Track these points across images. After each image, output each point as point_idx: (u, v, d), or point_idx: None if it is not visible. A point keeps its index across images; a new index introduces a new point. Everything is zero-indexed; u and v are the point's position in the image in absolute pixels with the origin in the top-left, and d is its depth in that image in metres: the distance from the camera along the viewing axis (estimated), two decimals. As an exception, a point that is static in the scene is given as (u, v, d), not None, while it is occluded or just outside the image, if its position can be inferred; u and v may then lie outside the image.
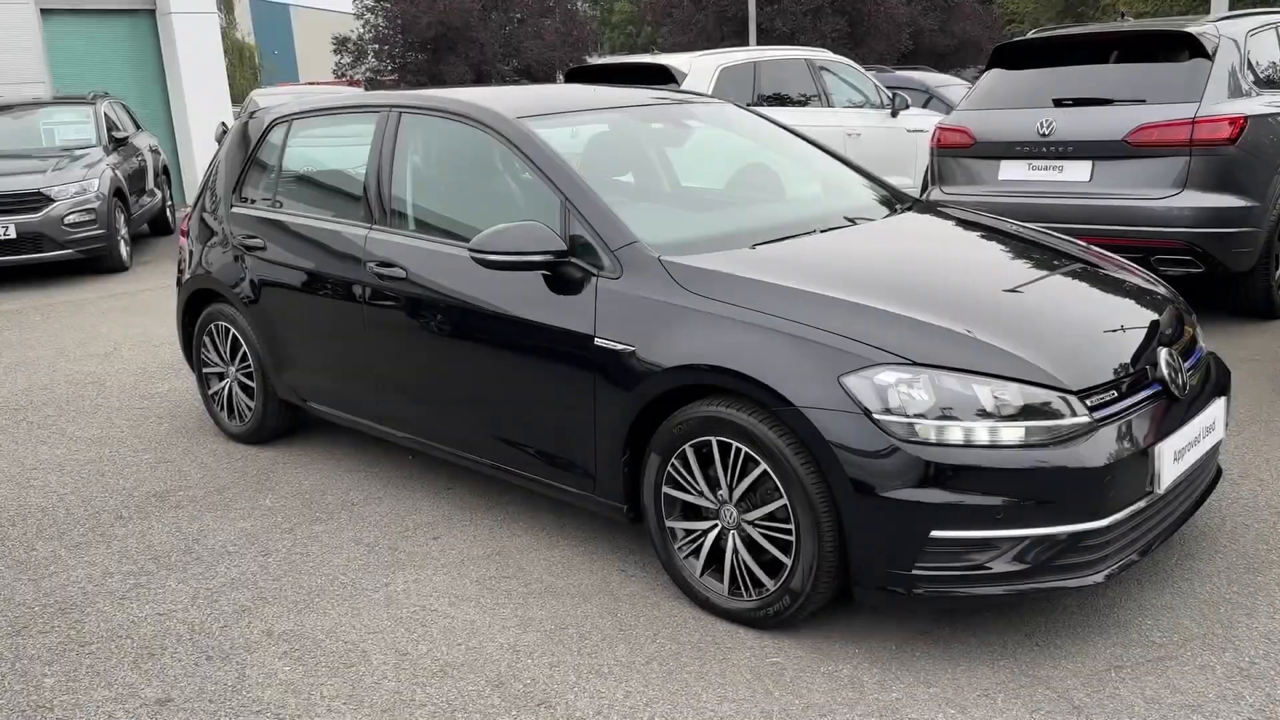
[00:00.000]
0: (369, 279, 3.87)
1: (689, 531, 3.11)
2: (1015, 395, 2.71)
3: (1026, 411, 2.70)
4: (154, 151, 11.87)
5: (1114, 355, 2.95)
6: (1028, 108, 6.39)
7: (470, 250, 3.30)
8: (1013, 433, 2.68)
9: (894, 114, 9.54)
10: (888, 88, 9.98)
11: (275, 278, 4.34)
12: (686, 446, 3.03)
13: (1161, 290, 3.47)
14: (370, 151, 4.06)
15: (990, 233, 3.78)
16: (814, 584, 2.83)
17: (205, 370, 4.91)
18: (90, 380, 6.00)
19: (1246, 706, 2.57)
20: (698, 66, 8.54)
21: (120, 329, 7.29)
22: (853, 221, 3.74)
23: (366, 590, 3.36)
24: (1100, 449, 2.71)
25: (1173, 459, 2.89)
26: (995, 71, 6.82)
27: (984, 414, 2.68)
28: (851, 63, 9.85)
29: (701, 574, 3.10)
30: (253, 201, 4.61)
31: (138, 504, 4.15)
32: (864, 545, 2.75)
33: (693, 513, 3.10)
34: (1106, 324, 3.08)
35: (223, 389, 4.82)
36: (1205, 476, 3.27)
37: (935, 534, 2.67)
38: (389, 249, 3.84)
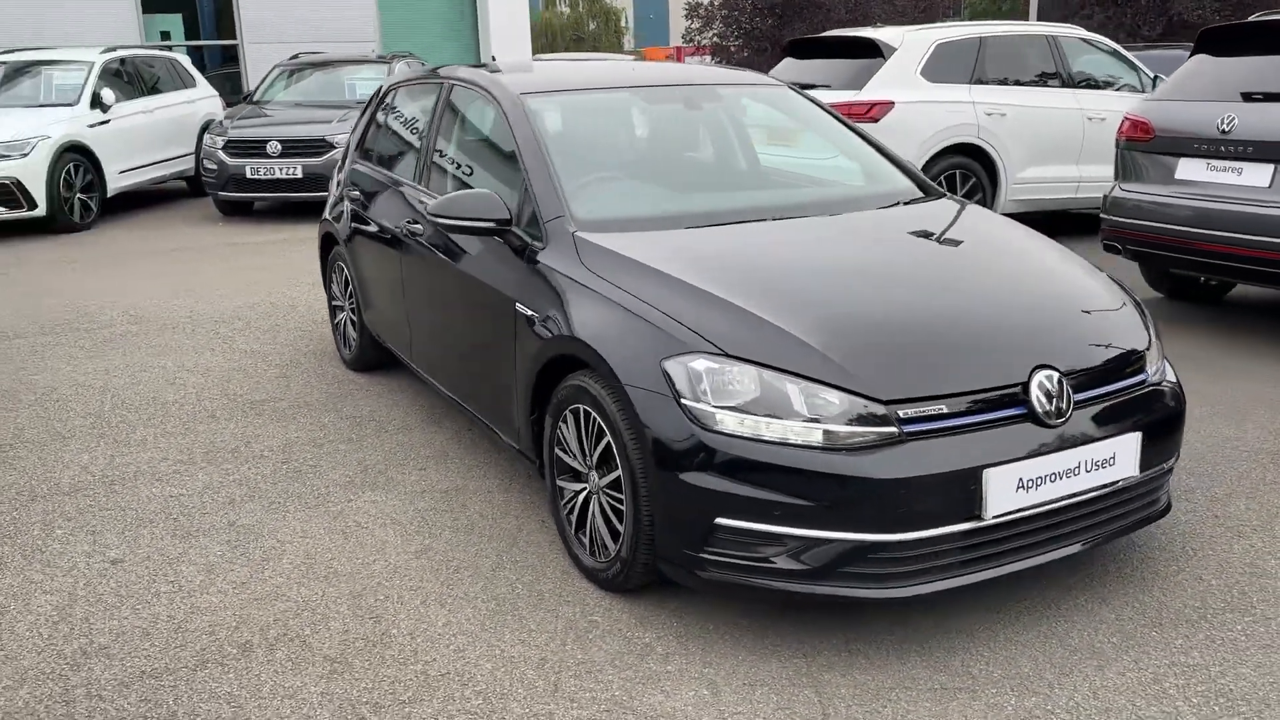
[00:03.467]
0: (404, 232, 4.35)
1: (569, 491, 3.32)
2: (821, 398, 2.70)
3: (829, 415, 2.68)
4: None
5: (968, 370, 2.82)
6: (1213, 100, 5.75)
7: (429, 214, 3.67)
8: (811, 434, 2.68)
9: (1152, 99, 8.70)
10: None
11: (361, 225, 4.94)
12: (567, 412, 3.24)
13: (1109, 307, 3.20)
14: (427, 120, 4.53)
15: (959, 237, 3.63)
16: (633, 554, 2.98)
17: (332, 303, 5.65)
18: (288, 304, 6.99)
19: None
20: (910, 41, 8.29)
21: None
22: (833, 214, 3.71)
23: (330, 503, 3.86)
24: (901, 462, 2.65)
25: (1014, 487, 2.73)
26: (1199, 58, 6.16)
27: (786, 413, 2.70)
28: (1106, 40, 9.07)
29: (575, 532, 3.31)
30: (361, 157, 5.23)
31: (234, 408, 4.92)
32: (664, 523, 2.86)
33: (573, 474, 3.32)
34: (986, 339, 2.92)
35: (340, 321, 5.53)
36: (1124, 511, 3.02)
37: (721, 521, 2.74)
38: (417, 208, 4.30)
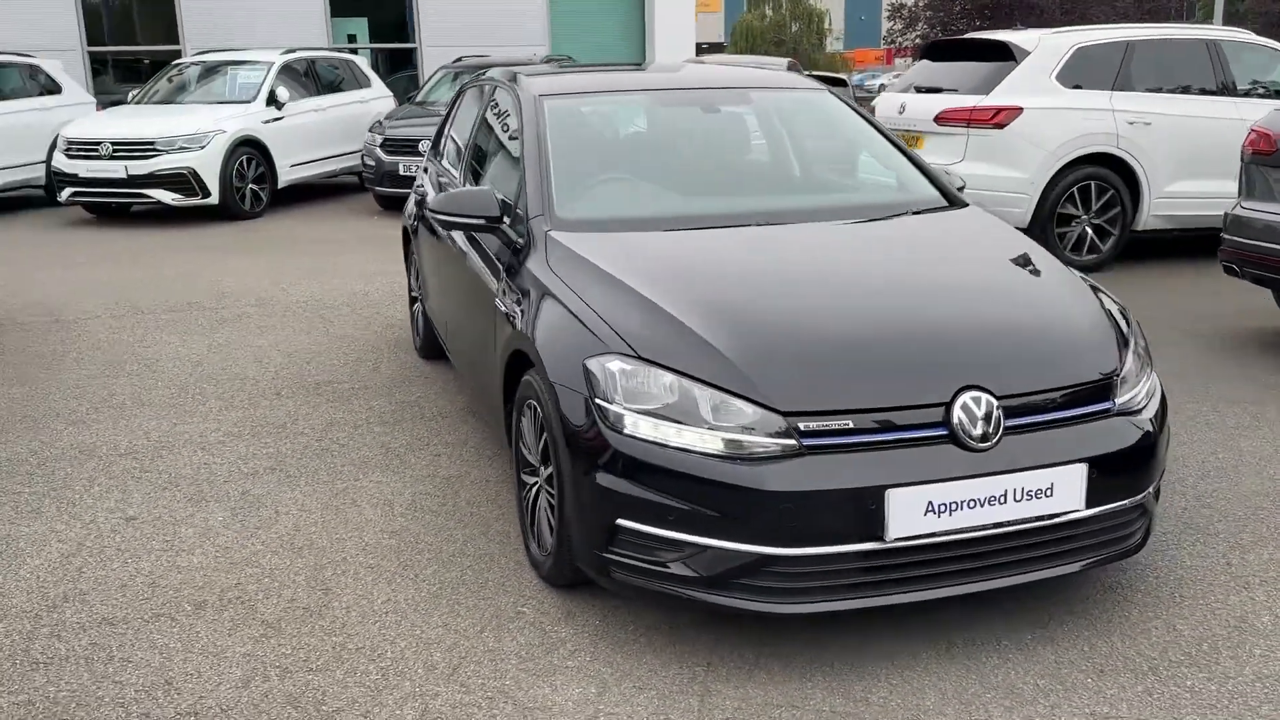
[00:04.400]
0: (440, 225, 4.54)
1: (527, 484, 3.40)
2: (726, 406, 2.67)
3: (731, 424, 2.65)
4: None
5: (887, 386, 2.71)
6: (1343, 110, 5.23)
7: (428, 209, 3.82)
8: (712, 442, 2.66)
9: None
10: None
11: (420, 219, 5.17)
12: (525, 407, 3.32)
13: (1078, 332, 3.00)
14: (474, 119, 4.70)
15: (941, 250, 3.50)
16: (559, 550, 3.03)
17: (410, 294, 5.92)
18: (395, 294, 7.36)
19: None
20: (1048, 44, 7.89)
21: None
22: (825, 221, 3.64)
23: (339, 480, 4.08)
24: (796, 476, 2.59)
25: (922, 510, 2.61)
26: (1340, 64, 5.61)
27: (694, 419, 2.68)
28: (1275, 44, 8.34)
29: (529, 524, 3.38)
30: (432, 154, 5.47)
31: (299, 387, 5.25)
32: (578, 521, 2.89)
33: (530, 468, 3.39)
34: (915, 356, 2.80)
35: (414, 311, 5.79)
36: (1075, 548, 2.84)
37: (621, 522, 2.75)
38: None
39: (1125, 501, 2.87)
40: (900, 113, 8.43)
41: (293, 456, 4.33)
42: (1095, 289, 3.32)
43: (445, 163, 5.05)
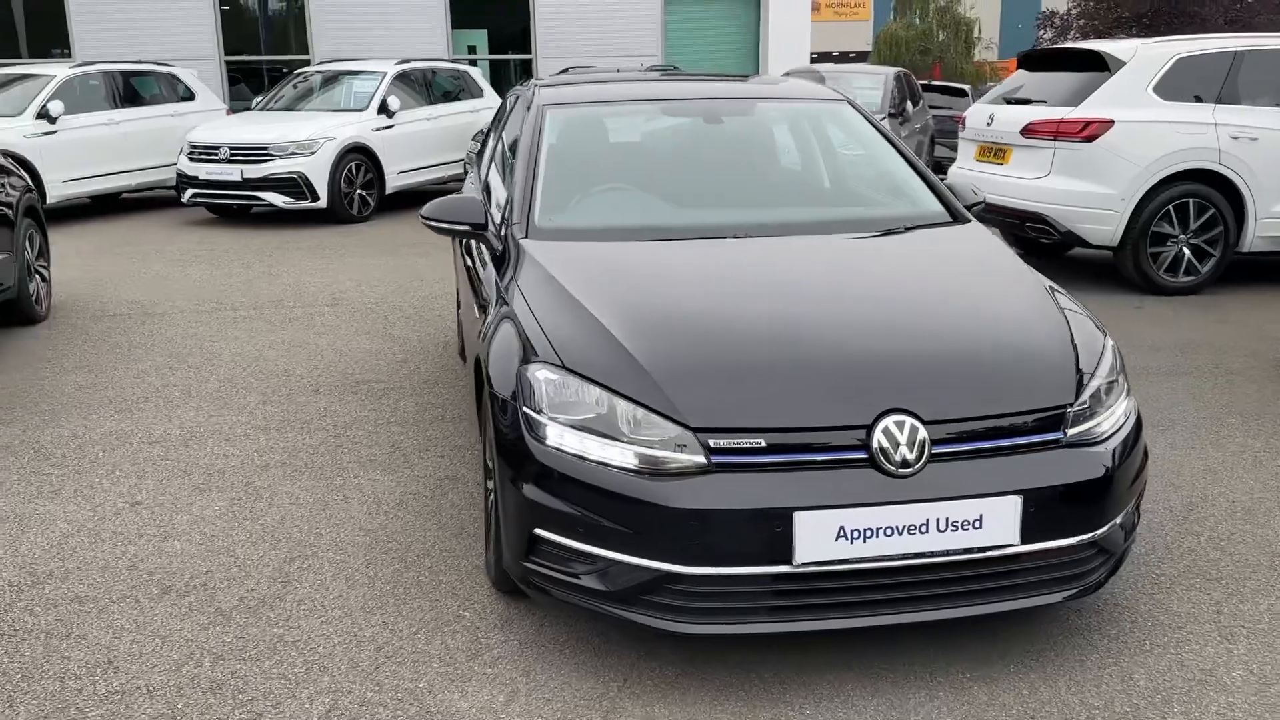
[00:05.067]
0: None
1: (488, 489, 3.42)
2: (642, 421, 2.63)
3: (644, 439, 2.62)
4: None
5: (807, 406, 2.63)
6: None
7: (420, 216, 3.89)
8: (625, 456, 2.63)
9: None
10: None
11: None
12: (484, 413, 3.34)
13: (1036, 358, 2.84)
14: (503, 128, 4.77)
15: (914, 268, 3.40)
16: (496, 556, 3.04)
17: (457, 299, 6.04)
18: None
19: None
20: (1146, 54, 7.48)
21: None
22: (806, 235, 3.56)
23: (340, 477, 4.19)
24: (701, 493, 2.53)
25: (833, 535, 2.52)
26: None
27: (613, 432, 2.66)
28: None
29: (487, 530, 3.40)
30: (476, 162, 5.56)
31: (338, 385, 5.42)
32: (505, 529, 2.89)
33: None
34: (841, 377, 2.70)
35: (458, 314, 5.90)
36: (1013, 584, 2.69)
37: (539, 532, 2.74)
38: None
39: (1073, 539, 2.69)
40: (988, 124, 8.14)
41: (305, 452, 4.47)
42: (1072, 316, 3.12)
43: (481, 170, 5.14)
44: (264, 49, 16.57)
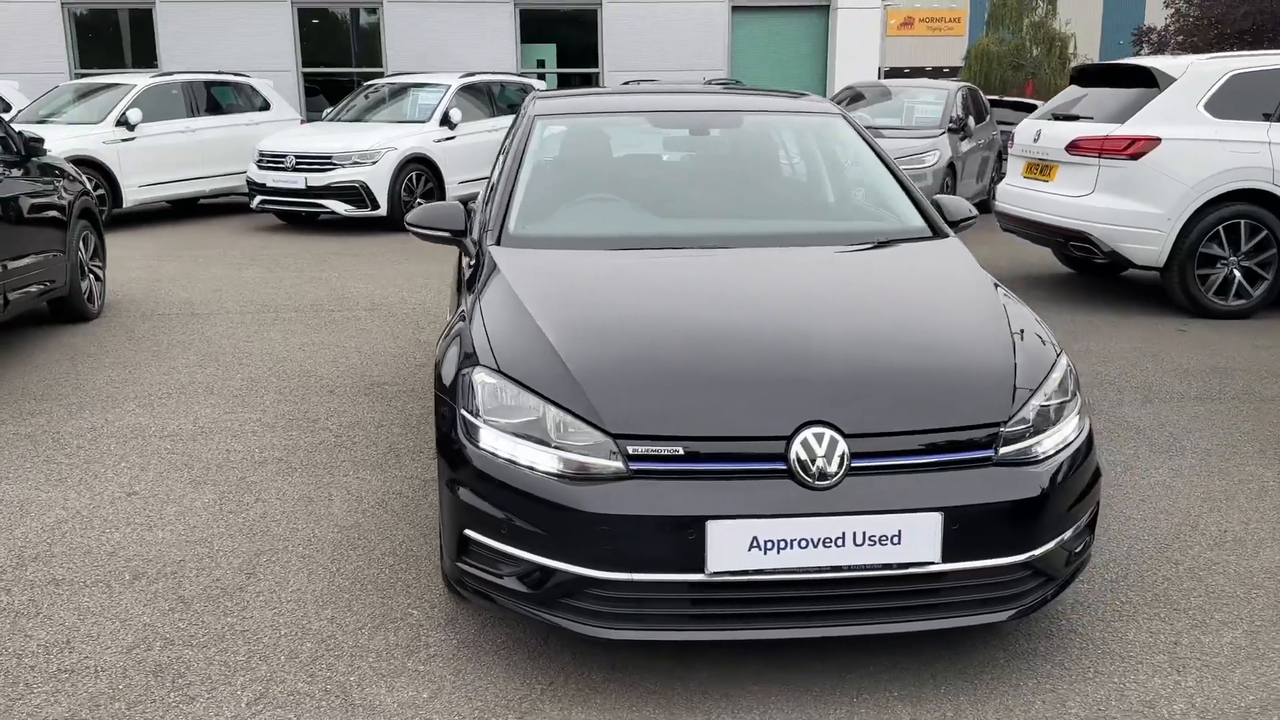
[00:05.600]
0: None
1: (445, 490, 3.48)
2: (566, 426, 2.66)
3: (567, 444, 2.64)
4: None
5: (727, 416, 2.62)
6: None
7: (405, 222, 3.98)
8: (549, 461, 2.66)
9: None
10: None
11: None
12: (446, 415, 3.41)
13: (975, 375, 2.79)
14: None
15: (868, 282, 3.38)
16: (440, 559, 3.09)
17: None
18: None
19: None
20: (1197, 71, 7.27)
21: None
22: (772, 247, 3.56)
23: (331, 475, 4.29)
24: (616, 499, 2.55)
25: (746, 545, 2.51)
26: None
27: (539, 435, 2.69)
28: None
29: (446, 530, 3.46)
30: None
31: (353, 387, 5.55)
32: (442, 530, 2.95)
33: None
34: (765, 387, 2.69)
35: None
36: (937, 602, 2.65)
37: (468, 533, 2.79)
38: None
39: (1001, 560, 2.63)
40: (1035, 140, 7.98)
41: (304, 450, 4.59)
42: (1023, 334, 3.04)
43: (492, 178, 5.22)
44: (340, 61, 17.03)
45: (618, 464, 2.58)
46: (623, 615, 2.61)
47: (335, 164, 11.36)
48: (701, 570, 2.53)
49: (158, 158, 12.01)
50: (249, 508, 3.97)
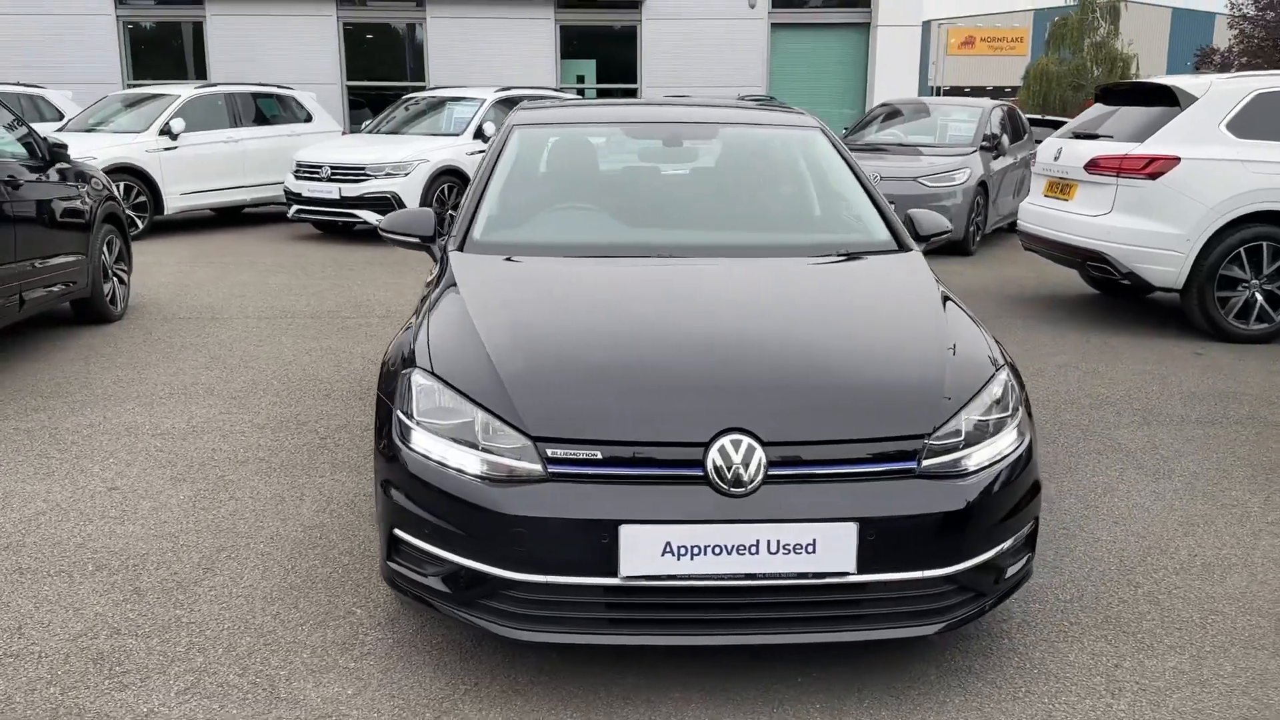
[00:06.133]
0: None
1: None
2: (492, 428, 2.69)
3: (491, 447, 2.67)
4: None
5: (647, 422, 2.63)
6: None
7: (378, 227, 4.04)
8: (473, 463, 2.68)
9: None
10: None
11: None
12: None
13: (904, 386, 2.78)
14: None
15: (816, 294, 3.38)
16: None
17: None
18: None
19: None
20: (1220, 90, 7.13)
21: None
22: (730, 258, 3.58)
23: (307, 476, 4.36)
24: (531, 501, 2.57)
25: (659, 550, 2.51)
26: None
27: (467, 438, 2.72)
28: None
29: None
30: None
31: (349, 391, 5.63)
32: (377, 530, 2.98)
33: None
34: (687, 395, 2.70)
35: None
36: (858, 614, 2.63)
37: (397, 532, 2.82)
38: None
39: (922, 573, 2.60)
40: (1055, 159, 7.88)
41: (287, 450, 4.67)
42: (962, 348, 3.00)
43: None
44: (383, 75, 17.32)
45: (537, 466, 2.60)
46: (538, 618, 2.62)
47: (369, 175, 11.54)
48: (615, 574, 2.53)
49: (199, 166, 12.29)
50: (221, 505, 4.04)
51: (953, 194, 10.73)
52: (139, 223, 11.72)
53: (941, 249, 11.07)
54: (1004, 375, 2.94)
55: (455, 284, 3.30)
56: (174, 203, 12.10)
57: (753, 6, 15.40)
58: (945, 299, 3.31)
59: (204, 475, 4.36)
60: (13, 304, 5.89)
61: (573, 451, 2.60)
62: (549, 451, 2.60)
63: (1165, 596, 3.35)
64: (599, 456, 2.59)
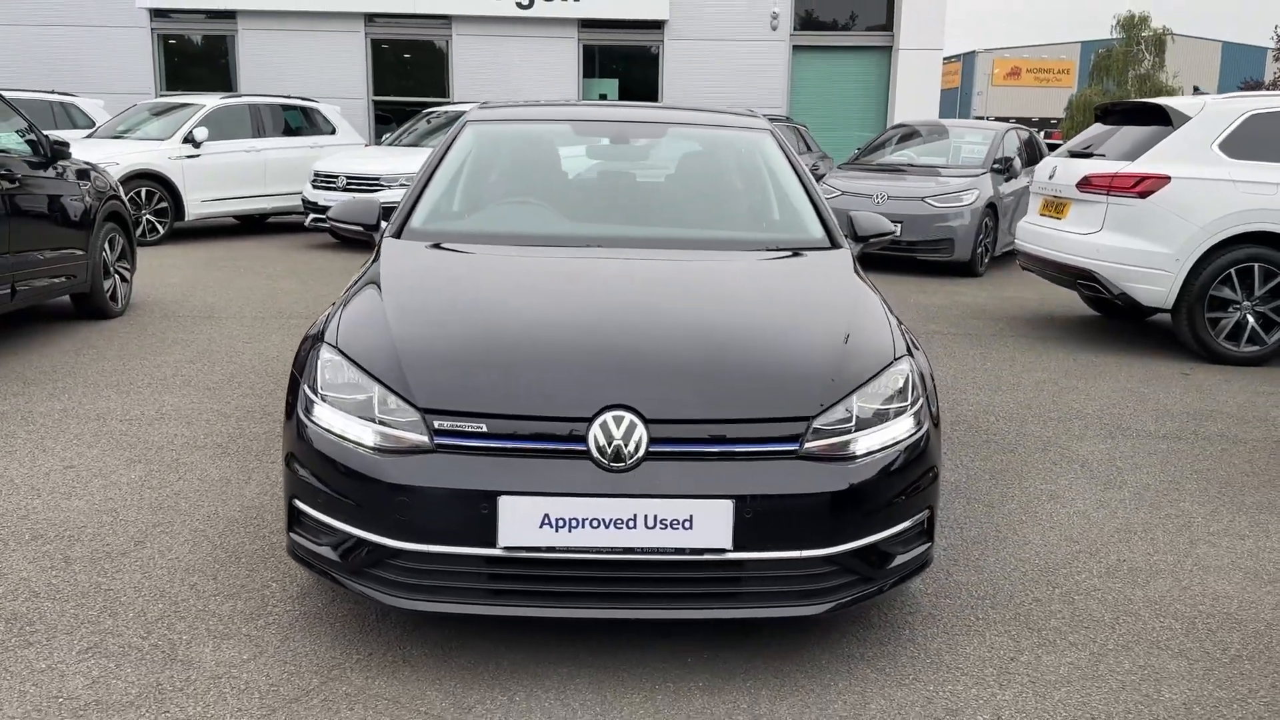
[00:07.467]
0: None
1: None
2: (386, 402, 2.74)
3: (388, 420, 2.72)
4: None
5: (533, 396, 2.68)
6: None
7: (328, 217, 4.14)
8: (366, 435, 2.74)
9: None
10: None
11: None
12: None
13: (795, 370, 2.81)
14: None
15: (734, 284, 3.40)
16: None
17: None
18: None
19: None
20: (1214, 110, 7.08)
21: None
22: (672, 249, 3.63)
23: (260, 460, 4.44)
24: (414, 471, 2.62)
25: (538, 522, 2.55)
26: None
27: (364, 411, 2.77)
28: None
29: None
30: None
31: (323, 387, 5.72)
32: (284, 502, 3.04)
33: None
34: (575, 372, 2.74)
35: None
36: (736, 592, 2.66)
37: (296, 503, 2.88)
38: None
39: (799, 553, 2.62)
40: (1050, 177, 7.85)
41: (246, 438, 4.76)
42: (860, 336, 3.01)
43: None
44: (410, 90, 17.60)
45: (423, 437, 2.65)
46: (421, 587, 2.66)
47: (383, 185, 11.71)
48: (494, 545, 2.57)
49: (220, 174, 12.55)
50: (169, 485, 4.13)
51: (960, 215, 10.70)
52: (160, 228, 11.99)
53: (950, 269, 11.12)
54: (904, 365, 2.95)
55: (379, 268, 3.38)
56: (195, 209, 12.35)
57: (775, 29, 15.50)
58: (862, 294, 3.32)
59: (159, 458, 4.46)
60: (4, 294, 6.06)
61: (458, 424, 2.65)
62: (436, 424, 2.65)
63: (1081, 597, 3.33)
64: (484, 430, 2.64)
